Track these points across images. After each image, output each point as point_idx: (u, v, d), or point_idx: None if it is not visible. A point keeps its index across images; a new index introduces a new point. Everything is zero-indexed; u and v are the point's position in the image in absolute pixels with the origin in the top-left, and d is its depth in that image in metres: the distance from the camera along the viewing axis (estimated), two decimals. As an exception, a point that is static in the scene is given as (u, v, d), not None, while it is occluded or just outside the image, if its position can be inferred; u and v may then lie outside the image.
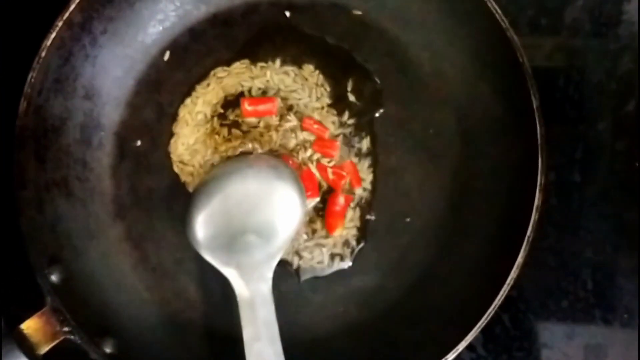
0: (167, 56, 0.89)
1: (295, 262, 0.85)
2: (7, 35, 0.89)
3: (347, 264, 0.85)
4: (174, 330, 0.82)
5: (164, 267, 0.85)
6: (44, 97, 0.79)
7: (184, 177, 0.86)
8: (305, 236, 0.85)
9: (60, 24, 0.78)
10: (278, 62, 0.89)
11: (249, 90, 0.88)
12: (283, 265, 0.84)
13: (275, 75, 0.88)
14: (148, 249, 0.85)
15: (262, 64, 0.89)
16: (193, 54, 0.89)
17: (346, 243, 0.86)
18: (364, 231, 0.86)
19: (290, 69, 0.89)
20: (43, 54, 0.78)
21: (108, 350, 0.75)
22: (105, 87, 0.86)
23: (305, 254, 0.85)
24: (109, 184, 0.86)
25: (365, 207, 0.86)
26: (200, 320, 0.83)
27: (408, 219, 0.86)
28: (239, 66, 0.89)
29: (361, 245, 0.86)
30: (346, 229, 0.85)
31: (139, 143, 0.87)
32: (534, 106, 0.76)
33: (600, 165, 0.91)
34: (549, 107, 0.78)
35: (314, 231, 0.86)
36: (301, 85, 0.88)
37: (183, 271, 0.85)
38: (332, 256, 0.85)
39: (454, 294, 0.80)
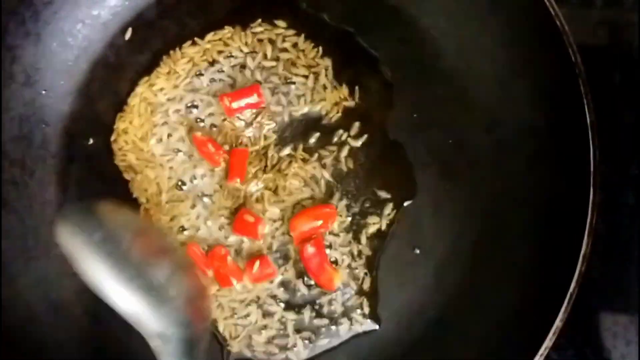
0: (129, 34, 0.75)
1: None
2: None
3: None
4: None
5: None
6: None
7: (133, 190, 0.72)
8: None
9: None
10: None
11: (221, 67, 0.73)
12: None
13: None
14: (97, 272, 0.70)
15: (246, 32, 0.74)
16: (160, 32, 0.75)
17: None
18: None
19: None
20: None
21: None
22: (51, 72, 0.72)
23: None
24: (53, 191, 0.72)
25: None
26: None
27: (417, 251, 0.69)
28: (214, 37, 0.74)
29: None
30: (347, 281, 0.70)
31: (91, 141, 0.73)
32: (588, 121, 0.58)
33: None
34: (600, 106, 0.61)
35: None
36: (291, 70, 0.73)
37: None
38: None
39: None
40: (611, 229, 0.73)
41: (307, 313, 0.68)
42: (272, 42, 0.73)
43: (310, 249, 0.68)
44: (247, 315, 0.69)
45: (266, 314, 0.68)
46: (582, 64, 0.60)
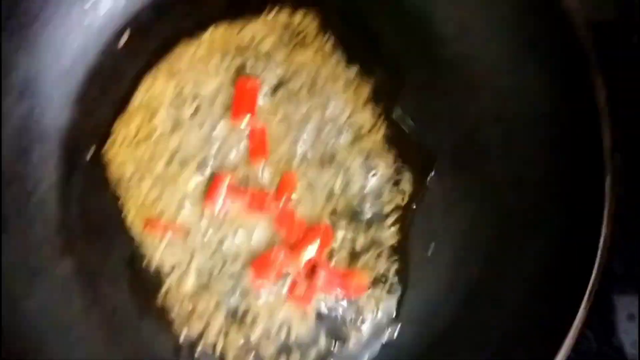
0: (125, 38, 0.73)
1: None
2: None
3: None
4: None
5: (124, 312, 0.68)
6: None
7: (126, 206, 0.70)
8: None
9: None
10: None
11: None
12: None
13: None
14: (104, 288, 0.68)
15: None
16: (157, 35, 0.73)
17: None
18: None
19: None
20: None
21: None
22: (47, 82, 0.70)
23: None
24: (54, 207, 0.70)
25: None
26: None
27: (433, 244, 0.68)
28: (213, 33, 0.72)
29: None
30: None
31: (91, 152, 0.71)
32: (600, 104, 0.58)
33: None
34: (613, 67, 0.59)
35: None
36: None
37: (149, 317, 0.68)
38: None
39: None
40: (630, 193, 0.69)
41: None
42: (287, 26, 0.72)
43: (322, 274, 0.67)
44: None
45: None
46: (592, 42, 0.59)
